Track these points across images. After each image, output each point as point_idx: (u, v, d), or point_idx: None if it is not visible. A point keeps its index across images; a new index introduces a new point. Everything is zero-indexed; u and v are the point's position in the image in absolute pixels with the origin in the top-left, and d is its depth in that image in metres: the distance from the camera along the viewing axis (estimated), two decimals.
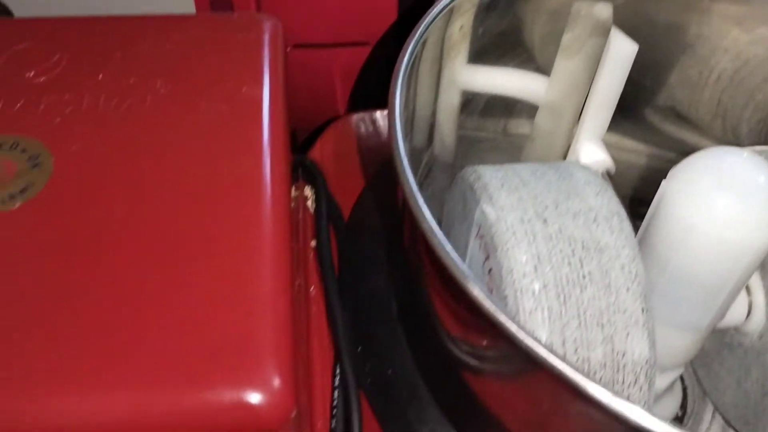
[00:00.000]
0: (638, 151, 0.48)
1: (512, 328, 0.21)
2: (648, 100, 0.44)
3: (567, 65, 0.43)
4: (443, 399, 0.29)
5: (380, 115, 0.50)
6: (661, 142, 0.47)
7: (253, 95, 0.28)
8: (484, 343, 0.26)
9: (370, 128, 0.47)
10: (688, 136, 0.44)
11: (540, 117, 0.45)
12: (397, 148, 0.26)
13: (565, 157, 0.45)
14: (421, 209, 0.24)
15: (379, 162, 0.41)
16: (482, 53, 0.36)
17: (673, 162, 0.32)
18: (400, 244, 0.33)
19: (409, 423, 0.28)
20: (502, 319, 0.21)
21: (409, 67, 0.29)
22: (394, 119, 0.27)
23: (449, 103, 0.37)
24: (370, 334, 0.31)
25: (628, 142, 0.48)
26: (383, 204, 0.36)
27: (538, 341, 0.20)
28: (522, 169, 0.33)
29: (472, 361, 0.27)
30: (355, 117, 0.46)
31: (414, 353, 0.30)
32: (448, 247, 0.23)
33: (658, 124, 0.46)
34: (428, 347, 0.30)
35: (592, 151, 0.43)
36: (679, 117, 0.43)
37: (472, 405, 0.28)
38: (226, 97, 0.27)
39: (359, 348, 0.31)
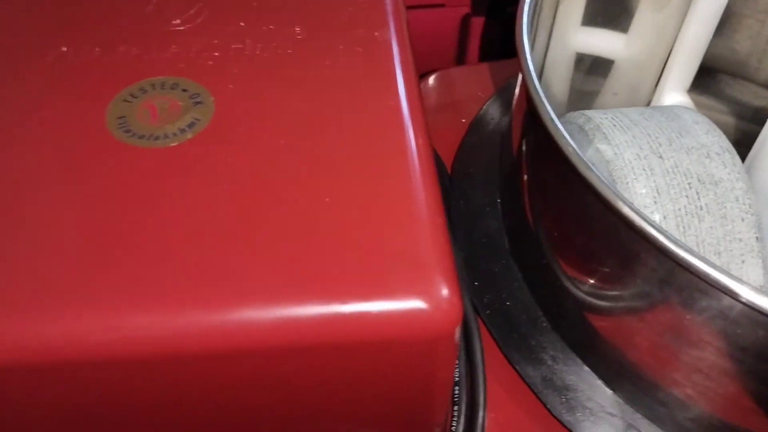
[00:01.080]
0: (716, 108, 0.49)
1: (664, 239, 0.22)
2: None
3: (655, 18, 0.44)
4: (563, 328, 0.30)
5: (460, 72, 0.51)
6: (738, 99, 0.48)
7: (384, 39, 0.29)
8: (609, 269, 0.28)
9: (453, 85, 0.49)
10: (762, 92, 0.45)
11: (623, 71, 0.46)
12: (532, 84, 0.27)
13: None
14: (563, 135, 0.25)
15: (467, 117, 0.43)
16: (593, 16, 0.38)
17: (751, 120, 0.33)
18: (514, 186, 0.35)
19: (531, 348, 0.30)
20: (653, 232, 0.23)
21: (531, 12, 0.31)
22: (524, 53, 0.28)
23: (558, 59, 0.38)
24: (486, 269, 0.32)
25: (705, 99, 0.49)
26: (484, 154, 0.38)
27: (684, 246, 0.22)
28: (629, 112, 0.35)
29: (591, 298, 0.29)
30: (437, 75, 0.47)
31: (530, 286, 0.32)
32: (596, 170, 0.25)
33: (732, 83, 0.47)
34: (543, 281, 0.31)
35: (679, 102, 0.45)
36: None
37: (592, 335, 0.30)
38: (360, 40, 0.29)
39: (476, 283, 0.33)
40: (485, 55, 0.57)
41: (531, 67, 0.29)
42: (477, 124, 0.39)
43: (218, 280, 0.22)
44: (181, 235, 0.23)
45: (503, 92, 0.42)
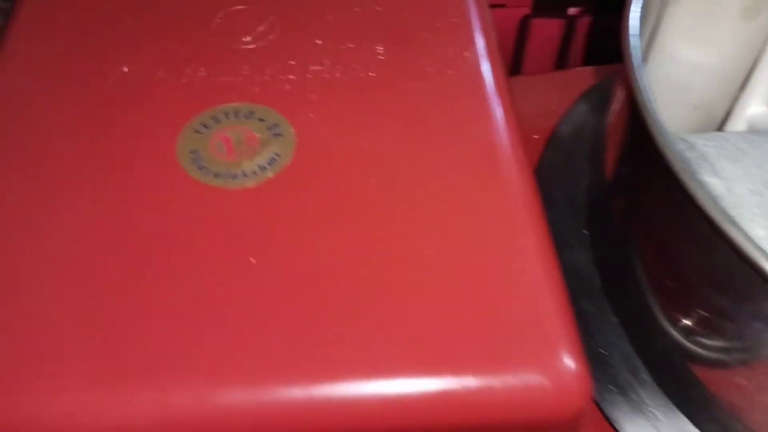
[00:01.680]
0: None
1: None
2: None
3: (743, 28, 0.40)
4: (668, 383, 0.28)
5: (525, 81, 0.48)
6: None
7: (475, 59, 0.26)
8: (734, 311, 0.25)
9: (520, 96, 0.46)
10: None
11: (706, 83, 0.43)
12: (646, 105, 0.25)
13: (723, 125, 0.43)
14: (684, 168, 0.23)
15: (540, 133, 0.40)
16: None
17: None
18: (606, 214, 0.32)
19: (631, 403, 0.28)
20: None
21: (641, 18, 0.28)
22: (635, 68, 0.26)
23: (662, 71, 0.35)
24: (575, 311, 0.30)
25: None
26: (567, 176, 0.35)
27: None
28: (733, 138, 0.32)
29: (702, 350, 0.26)
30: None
31: (628, 331, 0.29)
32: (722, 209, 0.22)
33: None
34: (644, 326, 0.29)
35: (761, 113, 0.42)
36: None
37: (703, 393, 0.27)
38: (449, 61, 0.26)
39: None
40: (546, 61, 0.54)
41: (644, 85, 0.26)
42: (555, 142, 0.36)
43: (315, 352, 0.19)
44: (270, 296, 0.20)
45: (582, 105, 0.39)
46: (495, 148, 0.24)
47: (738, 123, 0.42)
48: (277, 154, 0.23)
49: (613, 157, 0.31)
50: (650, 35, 0.36)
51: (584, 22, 0.52)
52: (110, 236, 0.21)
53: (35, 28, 0.27)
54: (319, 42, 0.27)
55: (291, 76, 0.26)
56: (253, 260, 0.21)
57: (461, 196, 0.22)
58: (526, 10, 0.53)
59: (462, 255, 0.21)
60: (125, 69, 0.26)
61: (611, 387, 0.28)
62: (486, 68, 0.26)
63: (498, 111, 0.25)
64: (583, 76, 0.43)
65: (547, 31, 0.53)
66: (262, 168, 0.23)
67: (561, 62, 0.55)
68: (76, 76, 0.26)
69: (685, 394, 0.27)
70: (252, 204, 0.22)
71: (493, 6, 0.54)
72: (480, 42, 0.27)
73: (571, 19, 0.53)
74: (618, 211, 0.31)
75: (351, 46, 0.27)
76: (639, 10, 0.28)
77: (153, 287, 0.20)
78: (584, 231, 0.32)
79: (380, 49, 0.27)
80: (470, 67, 0.26)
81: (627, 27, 0.28)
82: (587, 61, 0.52)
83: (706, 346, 0.26)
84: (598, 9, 0.51)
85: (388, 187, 0.23)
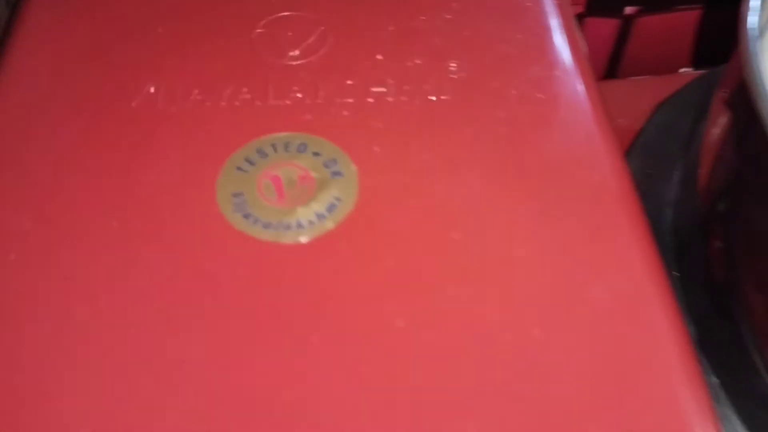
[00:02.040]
0: None
1: None
2: None
3: None
4: None
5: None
6: None
7: (568, 81, 0.22)
8: None
9: None
10: None
11: None
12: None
13: None
14: None
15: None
16: None
17: None
18: (704, 246, 0.28)
19: None
20: None
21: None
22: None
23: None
24: None
25: None
26: (653, 197, 0.31)
27: None
28: None
29: None
30: None
31: (729, 394, 0.25)
32: None
33: None
34: (748, 389, 0.25)
35: None
36: None
37: None
38: (538, 83, 0.22)
39: None
40: (597, 64, 0.49)
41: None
42: (633, 158, 0.32)
43: None
44: (347, 379, 0.16)
45: (660, 117, 0.34)
46: (603, 193, 0.19)
47: None
48: (337, 199, 0.19)
49: (713, 179, 0.26)
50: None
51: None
52: (136, 305, 0.17)
53: (42, 39, 0.23)
54: (380, 57, 0.23)
55: (349, 100, 0.21)
56: (313, 338, 0.17)
57: (569, 255, 0.18)
58: (580, 9, 0.48)
59: (579, 326, 0.17)
60: (152, 89, 0.22)
61: None
62: (581, 91, 0.22)
63: (600, 144, 0.21)
64: (658, 84, 0.39)
65: (600, 30, 0.49)
66: (320, 216, 0.19)
67: (613, 65, 0.51)
68: (93, 99, 0.21)
69: None
70: (309, 264, 0.18)
71: None
72: (569, 57, 0.23)
73: (628, 19, 0.49)
74: (719, 249, 0.26)
75: (418, 62, 0.23)
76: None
77: (188, 375, 0.16)
78: (674, 273, 0.28)
79: (453, 66, 0.22)
80: (562, 89, 0.22)
81: (744, 22, 0.24)
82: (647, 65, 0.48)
83: None
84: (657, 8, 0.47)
85: (476, 242, 0.18)
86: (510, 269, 0.18)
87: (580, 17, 0.49)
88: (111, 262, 0.18)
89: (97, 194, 0.19)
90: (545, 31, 0.24)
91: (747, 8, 0.23)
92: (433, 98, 0.22)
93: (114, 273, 0.18)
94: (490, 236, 0.19)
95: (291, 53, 0.23)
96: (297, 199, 0.19)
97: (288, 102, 0.21)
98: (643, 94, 0.40)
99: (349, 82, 0.22)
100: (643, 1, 0.47)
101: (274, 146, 0.20)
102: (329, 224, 0.19)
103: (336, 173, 0.20)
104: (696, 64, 0.44)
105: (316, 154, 0.20)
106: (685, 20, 0.45)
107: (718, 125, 0.26)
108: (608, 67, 0.50)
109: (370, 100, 0.22)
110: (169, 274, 0.18)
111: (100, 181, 0.20)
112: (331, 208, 0.19)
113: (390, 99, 0.22)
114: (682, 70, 0.45)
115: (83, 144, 0.20)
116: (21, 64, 0.22)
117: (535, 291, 0.18)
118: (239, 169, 0.20)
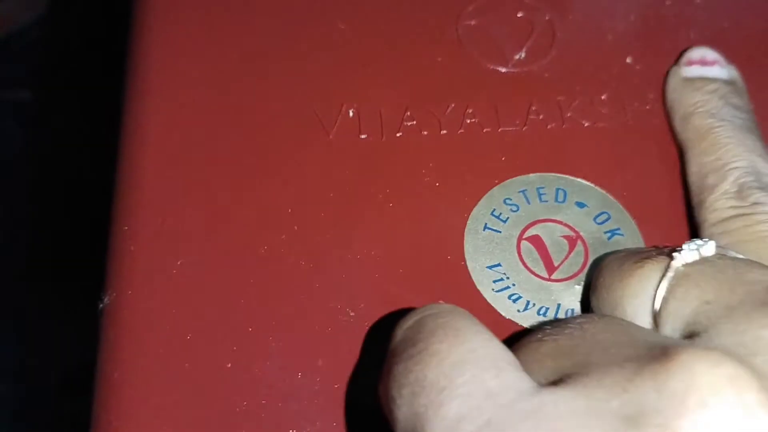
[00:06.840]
0: None
1: None
2: None
3: None
4: None
5: None
6: None
7: None
8: None
9: None
10: None
11: None
12: None
13: None
14: None
15: None
16: None
17: None
18: None
19: None
20: None
21: None
22: None
23: None
24: None
25: None
26: None
27: None
28: None
29: None
30: None
31: None
32: None
33: None
34: None
35: None
36: None
37: None
38: None
39: None
40: None
41: None
42: None
43: None
44: None
45: None
46: None
47: None
48: None
49: None
50: None
51: None
52: None
53: (179, 49, 0.18)
54: (629, 61, 0.18)
55: (601, 124, 0.17)
56: None
57: None
58: None
59: None
60: (350, 112, 0.17)
61: None
62: None
63: None
64: None
65: None
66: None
67: None
68: (282, 128, 0.17)
69: None
70: None
71: None
72: None
73: None
74: None
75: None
76: None
77: None
78: None
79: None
80: None
81: None
82: None
83: None
84: None
85: None
86: None
87: None
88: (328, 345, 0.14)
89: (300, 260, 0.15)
90: None
91: None
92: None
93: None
94: None
95: (515, 56, 0.18)
96: (568, 269, 0.15)
97: (525, 129, 0.17)
98: None
99: (602, 97, 0.17)
100: None
101: (525, 194, 0.16)
102: None
103: (615, 233, 0.15)
104: None
105: (579, 204, 0.16)
106: None
107: None
108: None
109: (630, 122, 0.17)
110: None
111: (298, 251, 0.15)
112: None
113: (656, 122, 0.17)
114: None
115: (272, 196, 0.16)
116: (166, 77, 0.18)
117: None
118: (489, 229, 0.15)
